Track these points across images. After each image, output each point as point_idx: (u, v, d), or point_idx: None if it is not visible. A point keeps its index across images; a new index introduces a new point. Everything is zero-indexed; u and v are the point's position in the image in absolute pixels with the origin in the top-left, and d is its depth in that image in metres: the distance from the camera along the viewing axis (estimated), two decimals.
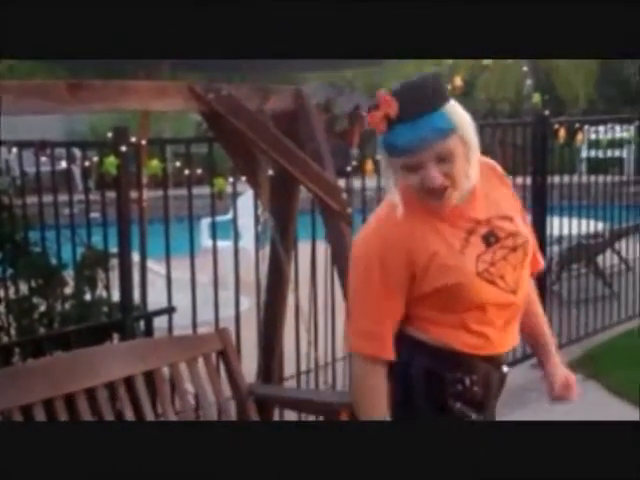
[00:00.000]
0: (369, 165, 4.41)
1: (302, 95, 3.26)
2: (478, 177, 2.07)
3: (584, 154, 12.87)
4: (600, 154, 11.07)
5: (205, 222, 6.88)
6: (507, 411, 4.79)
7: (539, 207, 5.42)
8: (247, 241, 4.63)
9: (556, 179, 5.61)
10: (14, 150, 3.92)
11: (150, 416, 2.95)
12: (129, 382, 3.03)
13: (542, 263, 2.32)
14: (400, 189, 2.04)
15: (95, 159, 3.71)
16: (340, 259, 3.20)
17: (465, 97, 12.79)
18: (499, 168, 2.24)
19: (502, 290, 2.10)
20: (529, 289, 2.27)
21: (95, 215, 3.90)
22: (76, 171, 5.30)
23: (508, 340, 2.20)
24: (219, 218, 4.09)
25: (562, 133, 5.39)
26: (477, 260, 2.06)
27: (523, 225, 2.18)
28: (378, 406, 2.11)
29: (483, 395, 2.17)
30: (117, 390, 3.04)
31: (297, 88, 3.29)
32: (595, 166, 6.40)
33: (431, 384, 2.13)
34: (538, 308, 2.36)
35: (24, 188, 3.88)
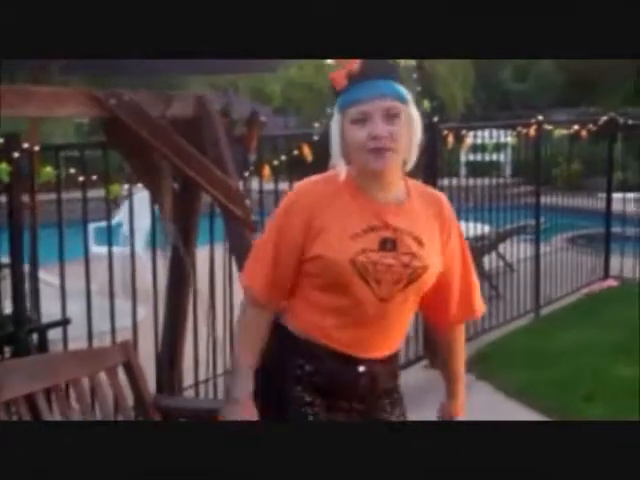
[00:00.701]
0: (266, 170, 4.42)
1: (205, 101, 3.22)
2: (419, 198, 2.21)
3: (464, 158, 13.30)
4: (479, 158, 11.44)
5: (92, 227, 6.67)
6: (408, 411, 4.89)
7: None
8: (139, 247, 4.50)
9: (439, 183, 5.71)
10: None
11: None
12: (30, 400, 2.93)
13: (476, 312, 2.40)
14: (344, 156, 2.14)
15: None
16: (242, 266, 3.17)
17: None
18: (447, 205, 2.30)
19: (372, 293, 2.14)
20: (457, 347, 2.45)
21: None
22: None
23: (368, 347, 2.23)
24: (106, 223, 3.90)
25: (451, 139, 5.53)
26: (361, 252, 2.12)
27: (435, 259, 2.20)
28: (248, 346, 2.25)
29: (327, 388, 2.23)
30: (19, 408, 2.93)
31: (200, 94, 3.24)
32: (475, 169, 6.56)
33: (280, 363, 2.26)
34: (457, 366, 2.52)
35: None
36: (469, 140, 5.99)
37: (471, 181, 6.25)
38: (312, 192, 2.19)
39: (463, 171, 12.64)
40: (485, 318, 6.19)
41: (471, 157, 12.97)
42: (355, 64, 2.10)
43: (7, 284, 3.51)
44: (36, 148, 3.31)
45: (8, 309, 3.56)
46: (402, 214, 2.17)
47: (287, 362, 2.26)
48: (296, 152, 4.52)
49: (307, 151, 4.55)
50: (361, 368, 2.24)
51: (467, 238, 6.08)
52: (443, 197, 2.31)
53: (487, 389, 5.17)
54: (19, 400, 2.92)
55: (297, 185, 2.30)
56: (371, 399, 2.28)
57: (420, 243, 2.17)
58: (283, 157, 4.55)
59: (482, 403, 4.94)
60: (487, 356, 5.72)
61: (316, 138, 4.65)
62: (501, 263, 7.28)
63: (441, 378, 5.43)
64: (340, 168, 2.15)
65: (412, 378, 5.36)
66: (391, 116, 2.08)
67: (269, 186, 4.43)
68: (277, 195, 4.37)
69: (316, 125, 4.93)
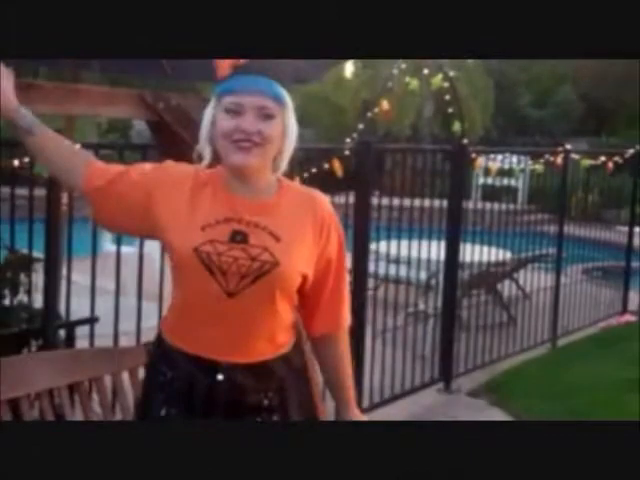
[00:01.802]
0: (296, 182, 4.42)
1: None
2: (292, 198, 2.16)
3: (479, 181, 13.32)
4: (496, 182, 11.46)
5: None
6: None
7: (454, 232, 5.54)
8: (152, 247, 4.45)
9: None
10: None
11: None
12: (52, 394, 2.94)
13: (340, 326, 2.27)
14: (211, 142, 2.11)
15: None
16: None
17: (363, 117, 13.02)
18: (326, 210, 2.21)
19: (219, 286, 2.07)
20: (327, 358, 2.28)
21: None
22: None
23: (224, 350, 2.12)
24: None
25: (479, 162, 5.53)
26: (208, 242, 2.07)
27: (292, 258, 2.10)
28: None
29: (188, 396, 2.13)
30: (41, 402, 2.93)
31: None
32: (488, 193, 6.54)
33: (148, 369, 2.24)
34: (332, 375, 2.31)
35: None
36: (494, 164, 5.99)
37: (482, 204, 6.24)
38: (183, 173, 2.16)
39: (475, 194, 12.74)
40: (500, 345, 6.22)
41: (483, 180, 13.14)
42: (241, 60, 2.10)
43: (38, 278, 3.52)
44: (77, 146, 3.31)
45: (37, 303, 3.56)
46: (262, 210, 2.12)
47: (153, 368, 2.21)
48: (326, 166, 4.53)
49: (338, 165, 4.56)
50: (220, 376, 2.11)
51: (485, 263, 6.18)
52: (322, 201, 2.21)
53: (499, 417, 5.15)
54: (42, 394, 2.93)
55: (172, 162, 2.24)
56: (234, 414, 2.12)
57: (277, 239, 2.10)
58: (313, 170, 4.55)
59: None
60: (501, 384, 5.70)
61: (347, 153, 4.66)
62: (516, 290, 7.27)
63: (452, 402, 5.42)
64: (205, 153, 2.13)
65: (425, 401, 5.39)
66: (265, 115, 2.06)
67: None
68: None
69: (347, 140, 4.94)
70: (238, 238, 2.08)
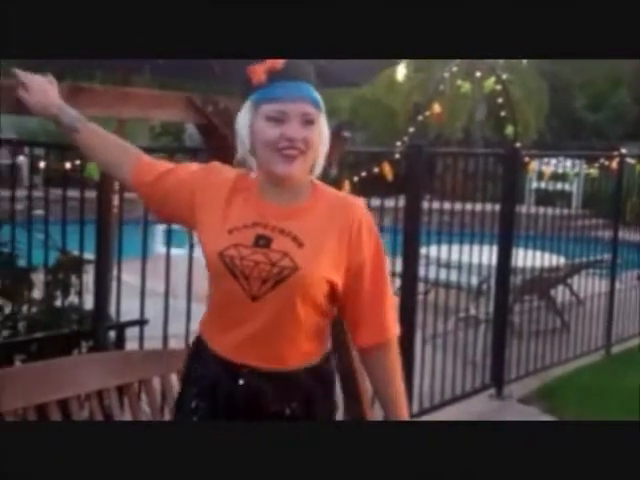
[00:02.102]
0: (346, 185, 4.39)
1: None
2: (326, 205, 2.12)
3: (533, 185, 13.14)
4: (549, 186, 11.28)
5: (160, 228, 6.75)
6: None
7: (506, 237, 5.46)
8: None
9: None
10: None
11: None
12: (102, 395, 2.97)
13: (388, 334, 2.18)
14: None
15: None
16: None
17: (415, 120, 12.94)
18: (362, 219, 2.13)
19: (242, 289, 2.06)
20: (378, 372, 2.19)
21: (39, 212, 3.76)
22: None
23: (247, 354, 2.10)
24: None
25: (533, 166, 5.44)
26: (233, 246, 2.06)
27: (315, 264, 2.05)
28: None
29: (213, 395, 2.14)
30: (91, 403, 2.96)
31: None
32: (542, 198, 6.43)
33: (185, 362, 2.26)
34: (392, 389, 2.22)
35: None
36: (548, 168, 5.89)
37: (535, 208, 6.13)
38: (224, 176, 2.17)
39: (528, 198, 12.57)
40: (553, 351, 6.11)
41: (537, 184, 12.96)
42: (276, 63, 2.04)
43: (89, 279, 3.55)
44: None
45: (88, 305, 3.59)
46: (291, 215, 2.09)
47: (190, 362, 2.23)
48: (376, 169, 4.50)
49: (388, 169, 4.52)
50: (241, 381, 2.10)
51: (539, 268, 6.07)
52: (356, 206, 2.15)
53: None
54: (92, 395, 2.96)
55: (218, 164, 2.26)
56: (254, 419, 2.10)
57: (299, 245, 2.06)
58: (363, 174, 4.52)
59: None
60: (554, 391, 5.61)
61: (398, 156, 4.62)
62: (569, 296, 7.15)
63: (503, 409, 5.33)
64: (251, 163, 2.10)
65: (476, 408, 5.31)
66: (307, 121, 2.03)
67: None
68: None
69: (398, 143, 4.90)
70: (261, 242, 2.07)
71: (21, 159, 3.77)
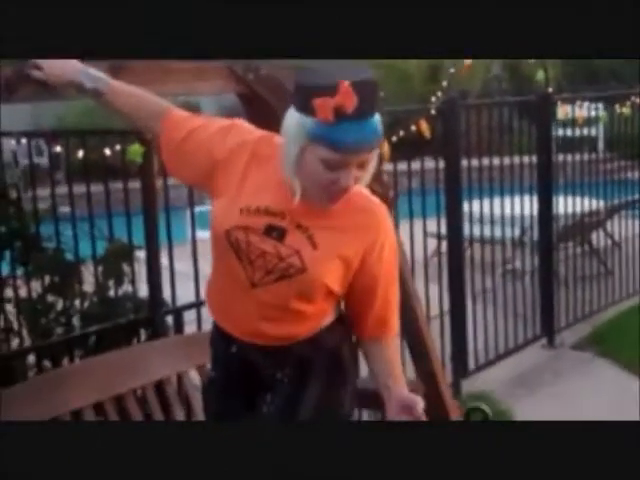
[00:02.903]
0: (386, 147, 4.31)
1: None
2: (348, 208, 1.99)
3: (557, 132, 12.96)
4: (569, 132, 11.08)
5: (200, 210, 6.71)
6: (524, 392, 4.80)
7: (544, 185, 5.37)
8: None
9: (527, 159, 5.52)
10: (23, 141, 3.72)
11: (200, 415, 2.82)
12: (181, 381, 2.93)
13: (391, 330, 2.13)
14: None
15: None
16: None
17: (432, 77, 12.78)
18: (385, 223, 2.06)
19: (245, 274, 2.00)
20: (387, 358, 2.13)
21: (65, 209, 3.71)
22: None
23: (237, 328, 2.09)
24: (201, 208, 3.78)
25: (564, 110, 5.34)
26: (242, 228, 1.97)
27: (325, 269, 1.98)
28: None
29: (216, 361, 2.19)
30: (166, 389, 2.92)
31: None
32: (567, 144, 6.32)
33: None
34: (390, 377, 2.14)
35: (34, 180, 3.68)
36: (580, 113, 5.78)
37: (562, 156, 6.01)
38: (243, 142, 2.02)
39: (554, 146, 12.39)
40: (600, 296, 6.05)
41: (562, 132, 12.77)
42: (351, 99, 1.79)
43: (140, 268, 3.51)
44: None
45: (142, 293, 3.55)
46: (312, 213, 1.96)
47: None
48: (414, 128, 4.41)
49: (425, 126, 4.41)
50: (233, 348, 2.12)
51: (579, 214, 5.98)
52: (381, 217, 2.05)
53: (608, 368, 5.03)
54: (166, 380, 2.91)
55: (239, 124, 2.10)
56: (250, 382, 2.13)
57: (314, 246, 1.96)
58: (402, 133, 4.42)
59: (605, 380, 4.82)
60: (606, 335, 5.58)
61: (433, 112, 4.53)
62: (605, 239, 7.06)
63: (558, 357, 5.30)
64: (295, 187, 1.92)
65: (531, 359, 5.28)
66: (361, 164, 1.88)
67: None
68: (395, 175, 4.24)
69: (432, 99, 4.80)
70: (274, 234, 1.98)
71: (58, 150, 3.70)
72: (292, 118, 1.89)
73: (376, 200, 2.06)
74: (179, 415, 2.90)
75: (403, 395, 2.09)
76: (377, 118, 1.87)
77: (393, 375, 2.13)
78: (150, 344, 3.22)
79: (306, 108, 1.83)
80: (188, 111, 2.24)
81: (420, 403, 2.02)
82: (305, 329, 2.08)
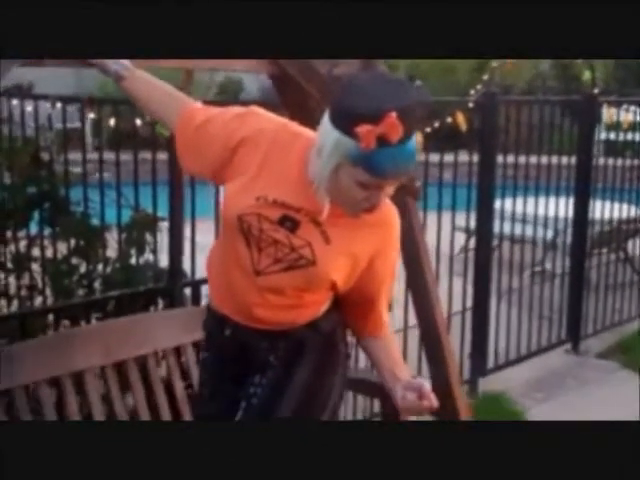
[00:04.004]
0: (419, 138, 4.27)
1: (372, 63, 3.09)
2: None
3: (602, 136, 12.75)
4: (614, 136, 10.88)
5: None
6: (542, 396, 4.75)
7: (582, 188, 5.29)
8: None
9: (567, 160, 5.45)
10: (58, 105, 3.75)
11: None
12: (179, 351, 2.96)
13: (380, 328, 2.15)
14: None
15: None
16: (405, 236, 3.05)
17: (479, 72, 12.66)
18: (393, 231, 2.07)
19: (250, 260, 2.00)
20: (386, 347, 2.16)
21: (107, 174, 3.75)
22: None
23: (233, 312, 2.10)
24: None
25: (611, 113, 5.25)
26: (255, 214, 1.96)
27: (333, 264, 1.98)
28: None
29: (210, 343, 2.22)
30: (167, 359, 2.95)
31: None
32: (611, 149, 6.20)
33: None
34: (380, 372, 2.17)
35: (67, 144, 3.72)
36: (627, 116, 5.67)
37: (604, 160, 5.91)
38: (261, 129, 2.00)
39: (597, 149, 12.17)
40: (631, 305, 5.96)
41: (605, 135, 12.54)
42: (396, 131, 1.75)
43: (163, 238, 3.54)
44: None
45: (163, 263, 3.58)
46: (328, 212, 1.95)
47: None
48: (450, 120, 4.38)
49: (461, 119, 4.39)
50: (227, 331, 2.14)
51: (616, 220, 5.88)
52: (394, 223, 2.06)
53: (630, 379, 4.94)
54: (168, 351, 2.95)
55: (256, 112, 2.08)
56: (240, 365, 2.14)
57: (327, 241, 1.97)
58: (436, 124, 4.40)
59: (628, 392, 4.74)
60: (632, 345, 5.48)
61: (471, 105, 4.49)
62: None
63: (581, 364, 5.23)
64: (324, 202, 1.92)
65: (553, 363, 5.23)
66: (397, 181, 1.88)
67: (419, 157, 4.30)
68: (427, 166, 4.22)
69: (471, 92, 4.75)
70: (287, 224, 1.97)
71: (91, 117, 3.75)
72: (330, 134, 1.84)
73: (389, 202, 2.04)
74: (178, 387, 2.92)
75: (409, 379, 2.08)
76: (414, 140, 1.83)
77: (398, 365, 2.14)
78: (159, 314, 3.26)
79: (347, 131, 1.79)
80: (230, 88, 2.26)
81: (427, 384, 2.00)
82: (303, 317, 2.08)
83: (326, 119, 1.87)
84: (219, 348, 2.20)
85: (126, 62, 2.13)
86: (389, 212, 2.04)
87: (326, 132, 1.85)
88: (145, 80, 2.15)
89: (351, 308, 2.14)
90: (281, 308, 2.06)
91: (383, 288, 2.11)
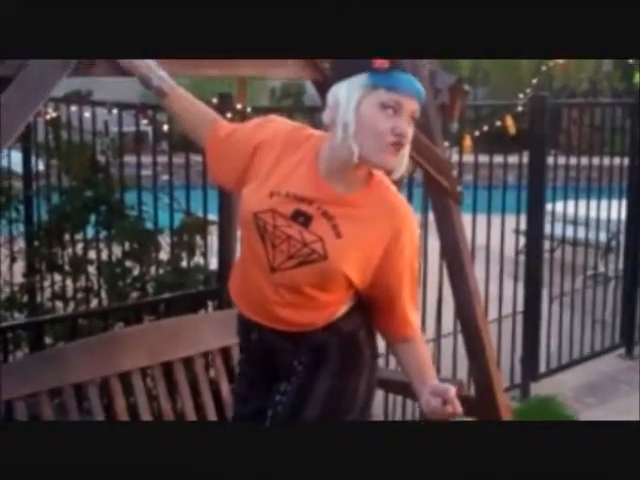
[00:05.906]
0: (467, 141, 4.29)
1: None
2: (375, 201, 2.06)
3: None
4: None
5: None
6: (594, 401, 4.71)
7: (637, 191, 5.23)
8: None
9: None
10: (114, 111, 3.87)
11: None
12: (225, 353, 3.02)
13: (412, 331, 2.16)
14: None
15: None
16: (447, 240, 3.07)
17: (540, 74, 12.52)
18: (409, 220, 2.10)
19: (266, 257, 2.06)
20: (405, 360, 2.16)
21: (164, 177, 3.84)
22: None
23: (256, 313, 2.15)
24: None
25: None
26: (269, 210, 2.04)
27: (345, 258, 2.02)
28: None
29: (242, 346, 2.28)
30: (214, 360, 3.02)
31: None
32: None
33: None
34: (410, 375, 2.17)
35: (122, 149, 3.84)
36: None
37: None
38: (276, 131, 2.13)
39: None
40: None
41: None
42: (396, 61, 1.98)
43: (213, 241, 3.62)
44: (248, 109, 3.36)
45: (212, 266, 3.66)
46: (339, 202, 2.03)
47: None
48: (499, 123, 4.37)
49: (510, 123, 4.38)
50: (254, 335, 2.19)
51: None
52: (404, 213, 2.09)
53: None
54: (214, 352, 3.02)
55: (273, 119, 2.23)
56: (268, 369, 2.19)
57: (338, 235, 2.01)
58: (485, 128, 4.40)
59: None
60: None
61: (520, 109, 4.48)
62: None
63: (635, 369, 5.14)
64: (354, 149, 1.97)
65: (605, 368, 5.17)
66: (412, 118, 1.99)
67: (468, 158, 4.32)
68: (477, 167, 4.25)
69: (520, 96, 4.74)
70: (300, 219, 2.03)
71: (145, 123, 3.85)
72: (340, 86, 1.99)
73: (401, 197, 2.13)
74: (224, 388, 2.99)
75: (435, 384, 2.09)
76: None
77: (427, 374, 2.15)
78: (206, 315, 3.34)
79: (361, 68, 1.97)
80: (293, 90, 2.35)
81: (452, 389, 2.02)
82: (322, 317, 2.12)
83: (333, 88, 2.02)
84: (248, 352, 2.27)
85: (168, 78, 2.23)
86: (401, 205, 2.10)
87: (336, 88, 2.00)
88: (185, 97, 2.28)
89: (376, 310, 2.17)
90: (299, 307, 2.10)
91: (403, 284, 2.12)
